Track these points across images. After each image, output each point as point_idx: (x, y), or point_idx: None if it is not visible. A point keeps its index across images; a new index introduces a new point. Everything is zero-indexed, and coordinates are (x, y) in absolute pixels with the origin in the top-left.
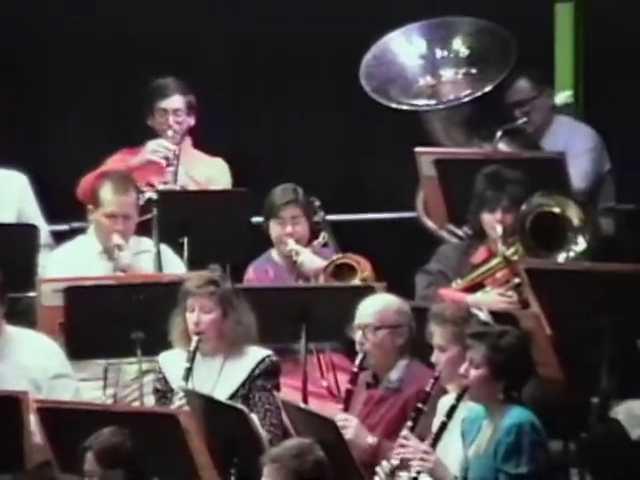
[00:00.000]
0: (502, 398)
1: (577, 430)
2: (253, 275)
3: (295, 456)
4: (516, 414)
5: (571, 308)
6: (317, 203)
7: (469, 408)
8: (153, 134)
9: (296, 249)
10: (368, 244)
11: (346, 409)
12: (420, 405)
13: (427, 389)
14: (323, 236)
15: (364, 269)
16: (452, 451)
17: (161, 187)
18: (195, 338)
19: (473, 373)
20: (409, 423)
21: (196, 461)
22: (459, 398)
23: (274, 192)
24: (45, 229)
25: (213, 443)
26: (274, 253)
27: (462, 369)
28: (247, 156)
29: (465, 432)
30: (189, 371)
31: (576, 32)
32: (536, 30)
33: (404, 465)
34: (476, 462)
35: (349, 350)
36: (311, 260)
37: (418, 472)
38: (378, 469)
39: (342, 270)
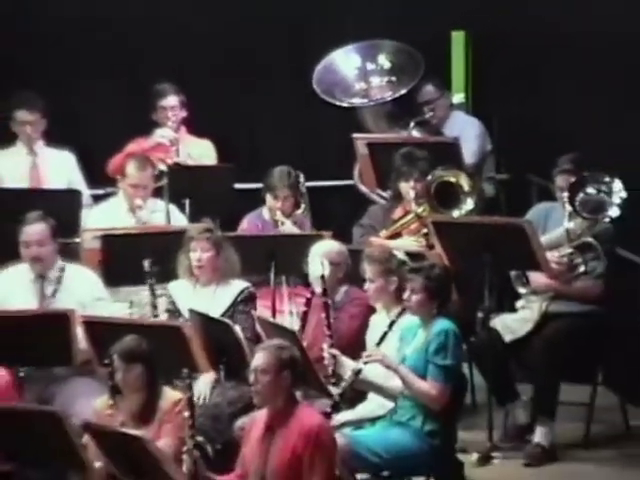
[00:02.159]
0: (435, 313)
1: (468, 335)
2: (247, 225)
3: (278, 347)
4: (443, 323)
5: (463, 249)
6: (301, 180)
7: (406, 320)
8: (158, 125)
9: (282, 220)
10: (321, 204)
11: (303, 325)
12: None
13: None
14: (303, 208)
15: None
16: (388, 352)
17: (169, 162)
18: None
19: (414, 298)
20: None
21: (196, 360)
22: (399, 315)
23: (274, 172)
24: (87, 193)
25: (208, 347)
26: (264, 211)
27: (405, 295)
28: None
29: (403, 337)
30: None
31: (466, 52)
32: (438, 50)
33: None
34: (412, 357)
35: (305, 281)
36: (290, 229)
37: (365, 362)
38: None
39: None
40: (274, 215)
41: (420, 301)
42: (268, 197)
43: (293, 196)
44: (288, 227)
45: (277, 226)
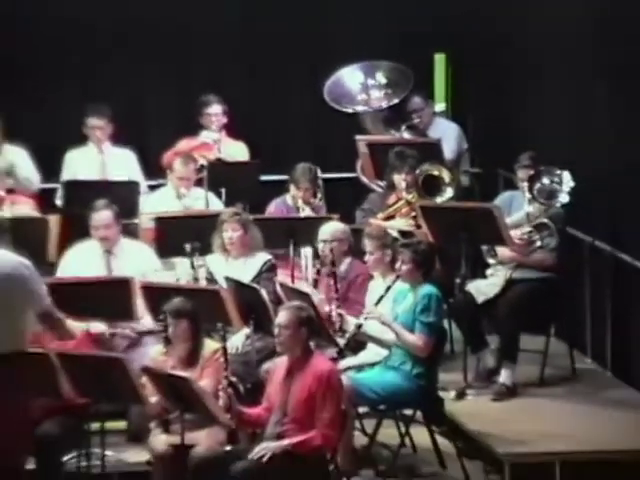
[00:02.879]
0: (421, 280)
1: (448, 297)
2: (273, 209)
3: (297, 308)
4: (428, 288)
5: (444, 228)
6: (319, 174)
7: (398, 286)
8: (203, 127)
9: (302, 207)
10: (327, 192)
11: (315, 288)
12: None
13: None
14: (319, 197)
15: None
16: (384, 310)
17: (210, 157)
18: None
19: (404, 267)
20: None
21: (230, 317)
22: (393, 282)
23: (297, 167)
24: (144, 184)
25: (240, 307)
26: (288, 198)
27: (397, 265)
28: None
29: (396, 299)
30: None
31: (447, 70)
32: (424, 68)
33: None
34: (402, 315)
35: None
36: (309, 214)
37: (365, 319)
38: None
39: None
40: (296, 203)
41: (409, 270)
42: (292, 187)
43: (312, 188)
44: (307, 212)
45: (298, 211)
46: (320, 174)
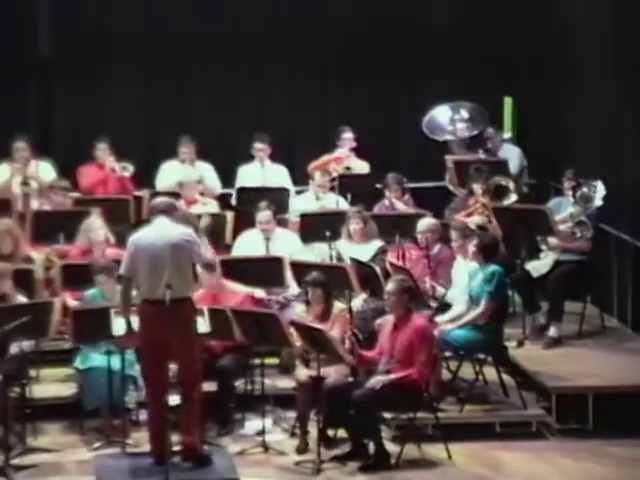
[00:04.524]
0: (484, 261)
1: (511, 273)
2: (376, 210)
3: (401, 280)
4: (494, 267)
5: (510, 223)
6: (405, 179)
7: (472, 265)
8: (337, 147)
9: (395, 202)
10: (424, 196)
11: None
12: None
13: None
14: (407, 196)
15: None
16: (461, 283)
17: (339, 169)
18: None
19: (471, 251)
20: None
21: (353, 285)
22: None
23: (388, 176)
24: (292, 189)
25: (360, 278)
26: (386, 201)
27: (470, 253)
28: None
29: (471, 274)
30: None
31: (513, 108)
32: (496, 107)
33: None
34: (476, 287)
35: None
36: (403, 208)
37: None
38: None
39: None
40: (390, 200)
41: (474, 253)
42: (386, 191)
43: (400, 189)
44: (401, 206)
45: (393, 207)
46: (412, 183)
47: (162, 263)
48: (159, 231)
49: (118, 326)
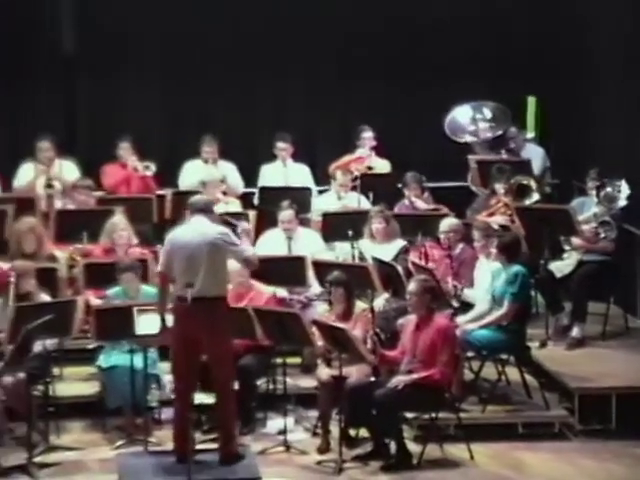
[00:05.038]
0: (507, 261)
1: (535, 274)
2: (397, 210)
3: (423, 280)
4: (517, 267)
5: (533, 222)
6: (424, 178)
7: (495, 265)
8: (358, 147)
9: (415, 200)
10: (446, 196)
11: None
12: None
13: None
14: (427, 194)
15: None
16: (484, 283)
17: (360, 169)
18: None
19: (492, 251)
20: None
21: (375, 285)
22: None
23: (407, 175)
24: (314, 189)
25: (382, 278)
26: (405, 200)
27: (492, 254)
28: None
29: (494, 276)
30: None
31: (536, 108)
32: (519, 107)
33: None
34: (498, 288)
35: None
36: (422, 205)
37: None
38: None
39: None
40: (410, 199)
41: (499, 255)
42: (405, 190)
43: (420, 188)
44: (421, 204)
45: (412, 205)
46: (434, 183)
47: (198, 261)
48: (195, 229)
49: (142, 324)
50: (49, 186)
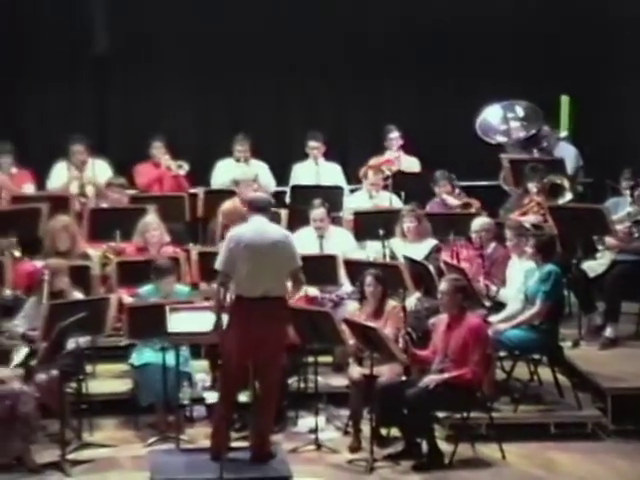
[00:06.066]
0: (542, 260)
1: (568, 273)
2: (429, 207)
3: (455, 279)
4: (550, 267)
5: (566, 222)
6: (453, 175)
7: (528, 264)
8: (386, 148)
9: (446, 198)
10: (479, 195)
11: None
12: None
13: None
14: (457, 190)
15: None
16: (516, 282)
17: (393, 169)
18: None
19: (528, 250)
20: None
21: (407, 284)
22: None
23: (437, 173)
24: (346, 188)
25: (414, 277)
26: (437, 198)
27: (527, 253)
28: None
29: (527, 275)
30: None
31: (570, 107)
32: (552, 106)
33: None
34: (531, 287)
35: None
36: (453, 202)
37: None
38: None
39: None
40: (441, 196)
41: (535, 254)
42: (435, 188)
43: (450, 184)
44: (452, 200)
45: (445, 204)
46: (466, 182)
47: (263, 261)
48: (257, 229)
49: (173, 322)
50: (82, 195)
